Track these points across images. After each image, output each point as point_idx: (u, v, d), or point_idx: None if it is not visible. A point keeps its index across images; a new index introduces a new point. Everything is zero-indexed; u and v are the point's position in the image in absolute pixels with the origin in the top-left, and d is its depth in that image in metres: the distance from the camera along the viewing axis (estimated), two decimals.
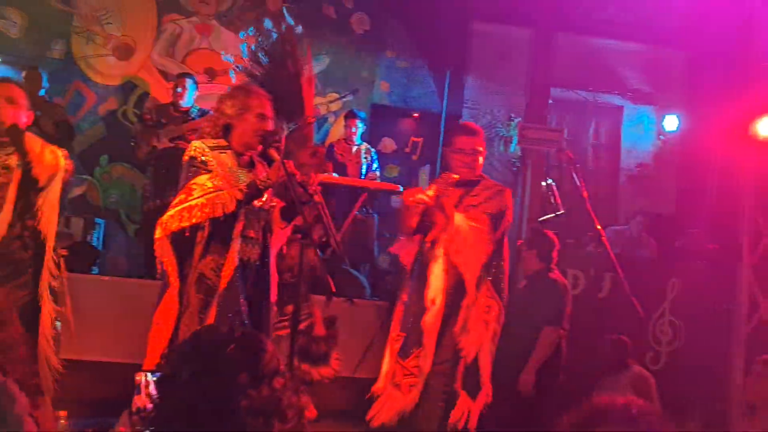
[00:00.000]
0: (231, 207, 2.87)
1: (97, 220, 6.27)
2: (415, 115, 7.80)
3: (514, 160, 7.25)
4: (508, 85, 7.37)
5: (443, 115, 7.54)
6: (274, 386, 1.33)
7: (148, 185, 5.92)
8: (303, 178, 2.94)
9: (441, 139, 7.54)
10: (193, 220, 2.85)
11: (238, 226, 2.95)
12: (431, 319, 3.36)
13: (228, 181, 2.95)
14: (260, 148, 3.07)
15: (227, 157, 3.05)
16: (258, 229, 3.07)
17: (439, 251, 3.37)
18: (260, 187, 2.93)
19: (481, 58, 7.58)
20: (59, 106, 6.14)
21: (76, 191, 6.81)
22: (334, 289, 2.83)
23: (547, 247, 4.34)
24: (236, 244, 2.95)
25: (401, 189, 5.80)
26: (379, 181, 6.26)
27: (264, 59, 4.43)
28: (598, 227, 4.24)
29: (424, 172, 7.02)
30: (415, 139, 7.76)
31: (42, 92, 5.93)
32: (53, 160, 3.02)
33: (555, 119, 7.55)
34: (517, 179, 6.74)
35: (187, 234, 2.89)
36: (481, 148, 3.53)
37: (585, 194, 4.33)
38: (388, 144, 7.65)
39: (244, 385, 1.30)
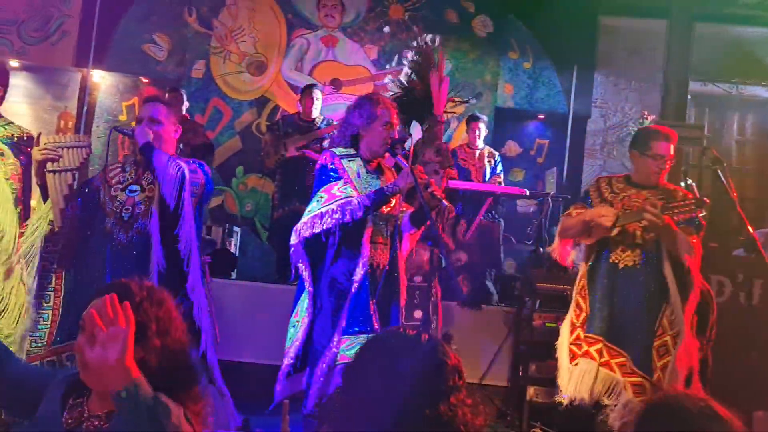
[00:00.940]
0: (360, 213, 2.95)
1: (235, 228, 6.64)
2: (541, 116, 7.63)
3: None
4: (641, 81, 7.02)
5: (570, 115, 7.31)
6: (451, 401, 1.33)
7: (276, 193, 6.18)
8: (434, 187, 2.95)
9: (568, 140, 7.32)
10: (324, 227, 2.96)
11: (368, 232, 3.02)
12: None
13: (357, 188, 3.04)
14: (387, 155, 3.13)
15: (356, 165, 3.14)
16: (387, 234, 3.13)
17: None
18: (388, 193, 3.00)
19: (610, 54, 7.27)
20: (200, 126, 6.58)
21: (215, 201, 7.26)
22: (465, 292, 2.80)
23: None
24: (366, 250, 3.01)
25: (527, 193, 5.69)
26: (503, 185, 6.17)
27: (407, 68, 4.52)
28: (751, 230, 3.91)
29: (552, 175, 6.83)
30: (541, 141, 7.59)
31: (183, 111, 6.39)
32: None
33: (694, 115, 7.09)
34: None
35: (323, 240, 3.00)
36: (671, 156, 3.40)
37: (734, 195, 4.02)
38: (513, 147, 7.54)
39: (426, 393, 1.32)
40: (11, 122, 2.99)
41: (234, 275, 6.01)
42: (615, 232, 3.27)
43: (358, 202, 2.96)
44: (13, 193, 2.84)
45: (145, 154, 2.91)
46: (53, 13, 6.95)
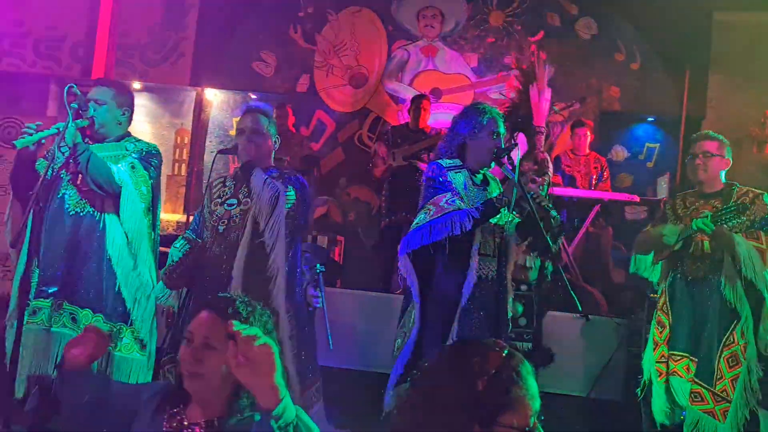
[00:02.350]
0: (469, 225, 2.94)
1: (338, 237, 6.79)
2: (650, 119, 7.32)
3: None
4: (760, 80, 6.58)
5: (683, 117, 6.96)
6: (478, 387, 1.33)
7: (383, 203, 6.27)
8: (538, 193, 2.91)
9: (681, 143, 6.97)
10: (433, 239, 2.96)
11: (476, 244, 3.02)
12: None
13: (464, 199, 3.04)
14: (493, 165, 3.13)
15: (462, 176, 3.14)
16: (494, 245, 3.11)
17: None
18: (497, 205, 2.97)
19: (725, 53, 6.87)
20: (305, 138, 6.80)
21: (320, 211, 7.46)
22: (580, 308, 2.74)
23: None
24: (474, 261, 3.01)
25: (638, 199, 5.47)
26: (611, 189, 5.97)
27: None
28: None
29: (664, 180, 6.52)
30: (651, 145, 7.28)
31: (290, 125, 6.63)
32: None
33: None
34: None
35: (431, 251, 3.01)
36: (709, 151, 3.39)
37: None
38: (620, 152, 7.27)
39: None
40: (140, 139, 3.20)
41: (339, 284, 6.15)
42: (677, 247, 3.28)
43: (467, 214, 2.96)
44: (143, 202, 3.02)
45: (245, 172, 2.99)
46: (170, 36, 7.41)
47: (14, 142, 2.81)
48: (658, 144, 7.27)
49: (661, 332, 3.40)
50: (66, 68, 6.96)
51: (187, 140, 7.69)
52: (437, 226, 2.96)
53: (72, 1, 6.92)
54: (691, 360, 3.29)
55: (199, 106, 7.47)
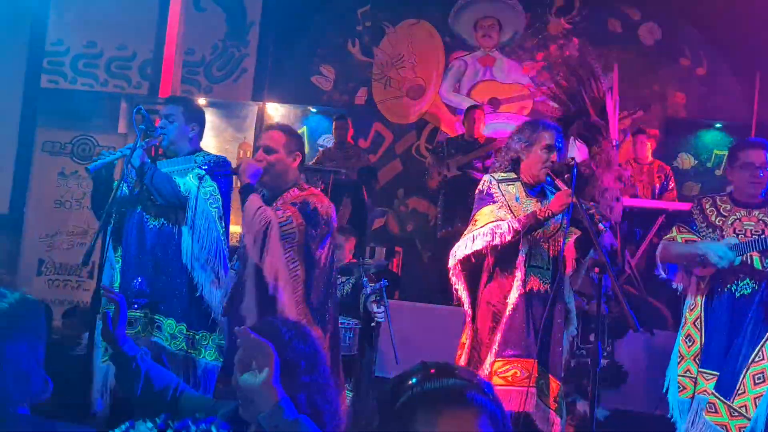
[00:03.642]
0: (509, 236, 2.94)
1: (396, 248, 6.82)
2: (718, 125, 7.08)
3: None
4: None
5: (754, 123, 6.70)
6: None
7: (439, 214, 6.28)
8: (594, 210, 2.86)
9: None
10: (476, 249, 2.97)
11: (521, 255, 3.00)
12: None
13: (514, 212, 3.03)
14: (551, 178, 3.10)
15: (515, 189, 3.13)
16: (547, 258, 3.08)
17: None
18: (540, 217, 2.96)
19: None
20: (363, 151, 6.88)
21: (378, 223, 7.52)
22: (636, 327, 2.68)
23: None
24: (520, 273, 2.99)
25: None
26: (676, 199, 5.78)
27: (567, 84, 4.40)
28: None
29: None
30: (719, 152, 7.03)
31: (349, 138, 6.71)
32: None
33: None
34: None
35: (473, 261, 3.02)
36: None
37: None
38: (686, 159, 7.05)
39: None
40: (209, 153, 3.31)
41: (397, 295, 6.18)
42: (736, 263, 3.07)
43: (508, 225, 2.96)
44: (214, 212, 3.11)
45: (241, 197, 2.86)
46: (234, 53, 7.64)
47: (87, 167, 2.95)
48: (727, 151, 6.99)
49: (689, 346, 3.21)
50: (135, 87, 7.27)
51: (249, 153, 7.88)
52: (479, 237, 2.97)
53: (141, 21, 7.21)
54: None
55: (261, 121, 7.65)
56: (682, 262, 3.26)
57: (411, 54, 7.65)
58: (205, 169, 3.13)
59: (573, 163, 2.94)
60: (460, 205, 5.72)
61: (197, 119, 3.29)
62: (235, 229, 7.51)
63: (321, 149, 7.20)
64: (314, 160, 6.60)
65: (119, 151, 2.99)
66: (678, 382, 3.24)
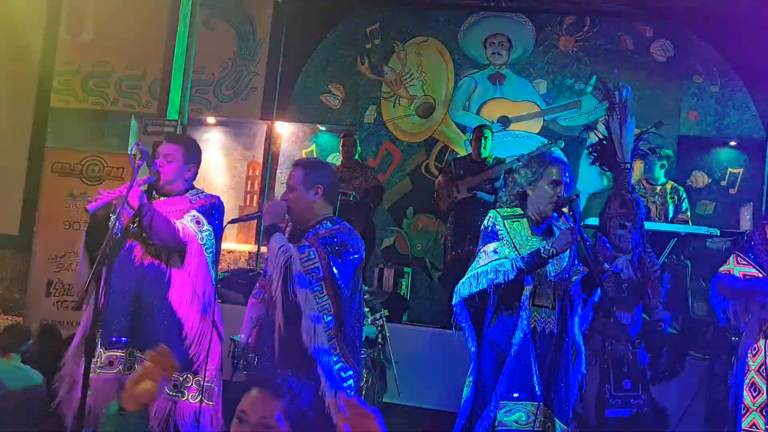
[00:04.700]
0: (512, 275, 2.88)
1: (405, 269, 6.76)
2: (732, 143, 6.98)
3: None
4: None
5: None
6: None
7: (449, 236, 6.20)
8: (596, 250, 2.79)
9: (766, 168, 6.60)
10: (480, 287, 2.92)
11: (525, 294, 2.94)
12: None
13: (519, 249, 2.98)
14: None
15: (521, 226, 3.08)
16: (553, 298, 3.00)
17: None
18: (544, 255, 2.90)
19: None
20: (371, 170, 6.83)
21: (387, 242, 7.47)
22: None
23: None
24: (525, 312, 2.93)
25: (718, 232, 5.18)
26: (690, 221, 5.68)
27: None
28: None
29: (747, 211, 6.15)
30: (734, 170, 6.93)
31: (356, 156, 6.68)
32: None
33: None
34: None
35: (477, 300, 2.97)
36: None
37: None
38: (700, 178, 6.96)
39: None
40: (202, 191, 3.29)
41: (405, 317, 6.12)
42: None
43: (512, 263, 2.90)
44: (210, 257, 3.10)
45: (265, 236, 2.85)
46: (243, 71, 7.64)
47: (86, 207, 2.93)
48: (742, 169, 6.91)
49: (755, 397, 3.01)
50: (145, 106, 7.28)
51: (258, 172, 7.88)
52: (483, 275, 2.92)
53: (150, 39, 7.23)
54: None
55: (270, 139, 7.64)
56: (740, 298, 3.07)
57: (420, 72, 7.62)
58: (200, 211, 3.12)
59: (575, 198, 2.87)
60: (470, 227, 5.66)
61: (195, 159, 3.29)
62: (239, 248, 7.50)
63: None
64: None
65: (119, 191, 2.96)
66: None
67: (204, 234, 3.09)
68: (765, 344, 3.02)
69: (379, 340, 3.96)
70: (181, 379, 3.04)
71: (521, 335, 2.91)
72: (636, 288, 3.83)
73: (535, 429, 2.84)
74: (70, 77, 7.38)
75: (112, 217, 2.96)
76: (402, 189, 7.56)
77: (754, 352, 3.06)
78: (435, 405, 4.73)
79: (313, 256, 2.77)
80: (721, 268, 3.17)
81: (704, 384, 4.42)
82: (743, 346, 3.13)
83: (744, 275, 3.05)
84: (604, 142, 4.41)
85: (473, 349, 3.06)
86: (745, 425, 3.02)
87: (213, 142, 7.84)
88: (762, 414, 2.97)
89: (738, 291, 3.05)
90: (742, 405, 3.04)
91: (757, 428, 2.98)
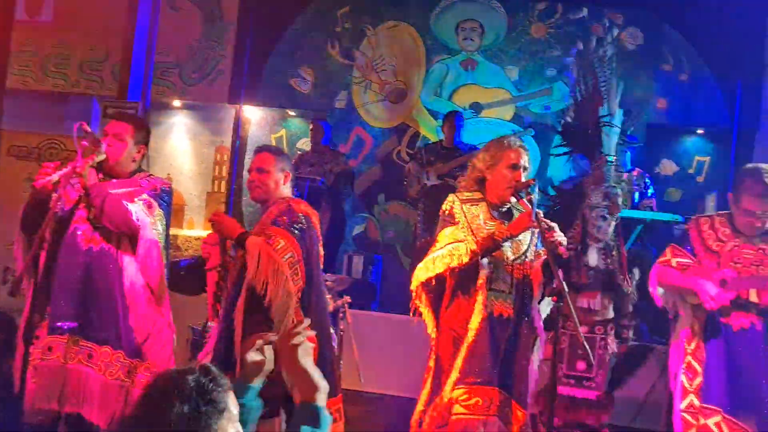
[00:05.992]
0: (465, 258, 2.86)
1: (376, 256, 6.71)
2: (700, 131, 7.04)
3: None
4: None
5: (735, 130, 6.66)
6: None
7: (418, 222, 6.18)
8: (556, 234, 2.75)
9: (732, 157, 6.68)
10: (437, 271, 2.91)
11: (482, 278, 2.91)
12: None
13: (477, 233, 2.95)
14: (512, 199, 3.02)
15: (479, 210, 3.04)
16: (511, 282, 2.98)
17: None
18: (498, 239, 2.88)
19: None
20: (342, 156, 6.76)
21: (358, 229, 7.41)
22: (591, 360, 2.58)
23: None
24: (481, 296, 2.90)
25: (681, 219, 5.21)
26: (655, 208, 5.71)
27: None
28: None
29: (712, 198, 6.22)
30: (701, 158, 6.99)
31: (326, 141, 6.60)
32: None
33: None
34: None
35: (434, 284, 2.95)
36: None
37: None
38: (668, 166, 7.00)
39: None
40: (152, 174, 3.22)
41: (375, 304, 6.08)
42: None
43: (466, 247, 2.88)
44: (162, 242, 3.03)
45: (237, 245, 2.87)
46: (209, 54, 7.47)
47: (32, 184, 2.83)
48: (708, 157, 6.98)
49: (691, 379, 3.08)
50: (107, 88, 7.09)
51: (226, 157, 7.74)
52: (438, 259, 2.91)
53: (113, 20, 7.04)
54: (723, 416, 2.98)
55: (238, 124, 7.50)
56: (676, 292, 3.16)
57: (392, 57, 7.53)
58: (151, 195, 3.04)
59: (534, 183, 2.84)
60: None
61: (144, 140, 3.20)
62: (206, 235, 7.38)
63: (299, 153, 7.08)
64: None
65: (68, 168, 2.85)
66: (681, 418, 3.08)
67: (156, 219, 3.01)
68: (699, 330, 3.10)
69: (341, 327, 3.90)
70: (131, 366, 2.96)
71: (479, 319, 2.88)
72: (603, 276, 3.86)
73: (491, 414, 2.81)
74: (29, 58, 7.14)
75: (54, 197, 2.84)
76: (373, 175, 7.49)
77: (689, 338, 3.13)
78: (400, 391, 4.70)
79: (290, 253, 2.82)
80: (660, 260, 3.25)
81: (665, 370, 4.45)
82: (677, 332, 3.20)
83: (680, 266, 3.14)
84: (588, 130, 4.39)
85: (433, 334, 3.04)
86: (683, 406, 3.07)
87: (179, 127, 7.68)
88: (698, 395, 3.05)
89: (674, 286, 3.14)
90: (680, 387, 3.10)
91: (693, 408, 3.05)
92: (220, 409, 1.36)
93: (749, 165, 3.29)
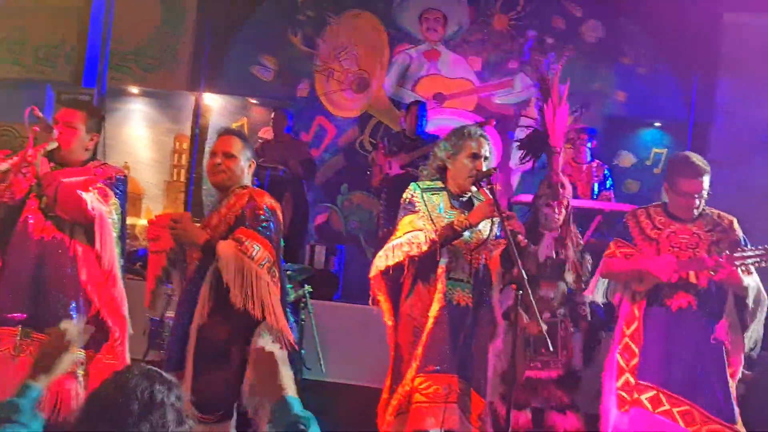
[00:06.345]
0: (425, 247, 2.86)
1: (338, 246, 6.68)
2: (657, 124, 7.17)
3: None
4: None
5: (691, 123, 6.80)
6: None
7: (382, 212, 6.17)
8: (514, 222, 2.78)
9: (689, 149, 6.81)
10: (396, 260, 2.90)
11: (441, 267, 2.92)
12: None
13: (437, 222, 2.95)
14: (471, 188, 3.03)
15: (440, 199, 3.05)
16: (470, 271, 2.99)
17: None
18: (457, 228, 2.89)
19: (735, 56, 6.68)
20: (304, 145, 6.70)
21: (320, 219, 7.36)
22: (549, 347, 2.63)
23: None
24: (440, 285, 2.91)
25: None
26: (613, 199, 5.81)
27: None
28: None
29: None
30: (658, 150, 7.12)
31: (288, 129, 6.53)
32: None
33: None
34: None
35: (392, 273, 2.94)
36: (706, 187, 3.12)
37: None
38: (627, 158, 7.12)
39: None
40: (106, 163, 3.14)
41: (337, 295, 6.05)
42: (674, 279, 3.07)
43: (425, 235, 2.88)
44: (115, 230, 2.96)
45: (204, 252, 2.73)
46: (168, 40, 7.32)
47: None
48: (666, 149, 7.11)
49: (628, 359, 3.17)
50: (61, 74, 6.89)
51: (185, 146, 7.61)
52: (397, 247, 2.90)
53: (69, 5, 6.84)
54: (658, 390, 3.09)
55: (198, 112, 7.37)
56: (625, 279, 3.23)
57: (354, 46, 7.49)
58: (105, 183, 2.97)
59: (494, 172, 2.86)
60: None
61: (98, 128, 3.11)
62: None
63: (260, 141, 6.99)
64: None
65: (18, 156, 2.75)
66: (616, 396, 3.18)
67: (111, 207, 2.94)
68: (639, 314, 3.19)
69: (302, 317, 3.88)
70: (85, 357, 2.90)
71: (438, 308, 2.88)
72: (558, 265, 3.92)
73: (449, 401, 2.83)
74: None
75: (1, 186, 2.75)
76: (336, 165, 7.46)
77: (628, 321, 3.22)
78: (363, 381, 4.70)
79: (266, 257, 2.72)
80: (606, 254, 3.36)
81: None
82: (619, 317, 3.30)
83: (624, 255, 3.25)
84: (539, 129, 4.47)
85: (389, 322, 3.04)
86: (618, 384, 3.17)
87: (137, 114, 7.52)
88: (633, 374, 3.15)
89: (623, 272, 3.22)
90: (616, 367, 3.20)
91: (628, 386, 3.15)
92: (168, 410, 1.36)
93: (677, 153, 3.43)
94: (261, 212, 2.77)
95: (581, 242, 3.97)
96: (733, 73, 6.67)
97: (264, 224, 2.75)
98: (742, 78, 6.60)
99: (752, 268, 3.00)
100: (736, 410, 3.03)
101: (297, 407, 1.67)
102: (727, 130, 6.59)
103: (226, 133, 2.95)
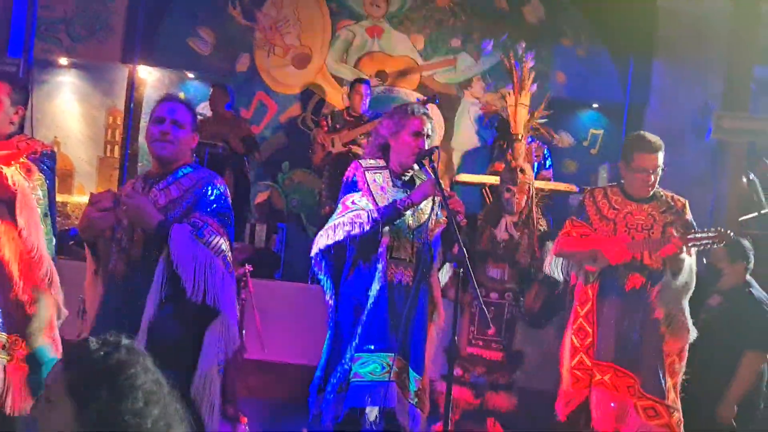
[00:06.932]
0: (368, 226, 2.84)
1: (280, 224, 6.59)
2: (595, 105, 7.33)
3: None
4: (704, 69, 6.60)
5: (626, 105, 6.98)
6: None
7: (323, 190, 6.12)
8: (454, 201, 2.79)
9: (624, 130, 7.00)
10: (337, 239, 2.87)
11: (382, 246, 2.91)
12: None
13: (378, 201, 2.94)
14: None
15: (382, 177, 3.03)
16: (411, 250, 2.98)
17: None
18: (399, 207, 2.88)
19: (670, 40, 6.86)
20: (244, 121, 6.54)
21: (261, 197, 7.24)
22: (491, 327, 2.65)
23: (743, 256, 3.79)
24: (382, 265, 2.89)
25: (576, 190, 5.45)
26: (552, 179, 5.91)
27: None
28: None
29: (604, 170, 6.52)
30: (595, 131, 7.29)
31: (228, 106, 6.36)
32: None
33: (762, 106, 6.65)
34: (714, 174, 6.04)
35: (333, 252, 2.93)
36: (661, 164, 3.21)
37: None
38: (565, 138, 7.25)
39: None
40: (32, 138, 2.99)
41: (278, 273, 5.98)
42: (628, 259, 3.18)
43: (368, 215, 2.85)
44: (40, 207, 2.82)
45: (158, 232, 2.40)
46: (99, 9, 6.99)
47: None
48: (602, 131, 7.29)
49: (582, 339, 3.26)
50: None
51: (119, 120, 7.33)
52: (339, 226, 2.87)
53: None
54: (615, 369, 3.19)
55: (132, 85, 7.09)
56: (580, 259, 3.29)
57: (296, 20, 7.32)
58: (30, 159, 2.82)
59: (435, 150, 2.86)
60: None
61: (23, 101, 2.95)
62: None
63: (199, 117, 6.78)
64: None
65: None
66: (571, 374, 3.27)
67: (35, 183, 2.79)
68: (592, 294, 3.27)
69: (243, 296, 3.82)
70: (9, 341, 2.77)
71: (378, 287, 2.87)
72: (513, 248, 4.01)
73: (390, 380, 2.83)
74: None
75: None
76: (277, 142, 7.32)
77: (582, 301, 3.30)
78: (304, 360, 4.68)
79: (228, 250, 2.52)
80: (561, 233, 3.42)
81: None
82: (573, 297, 3.40)
83: (580, 234, 3.31)
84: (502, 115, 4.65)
85: (331, 302, 3.02)
86: (573, 363, 3.27)
87: (67, 86, 7.19)
88: (587, 353, 3.24)
89: (577, 252, 3.29)
90: (570, 347, 3.29)
91: (584, 366, 3.24)
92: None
93: (633, 133, 3.50)
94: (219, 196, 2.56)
95: (543, 228, 4.06)
96: (667, 56, 6.85)
97: (222, 212, 2.56)
98: (676, 61, 6.80)
99: (693, 251, 3.10)
100: (666, 385, 3.13)
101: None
102: (662, 111, 6.78)
103: (171, 99, 2.63)
